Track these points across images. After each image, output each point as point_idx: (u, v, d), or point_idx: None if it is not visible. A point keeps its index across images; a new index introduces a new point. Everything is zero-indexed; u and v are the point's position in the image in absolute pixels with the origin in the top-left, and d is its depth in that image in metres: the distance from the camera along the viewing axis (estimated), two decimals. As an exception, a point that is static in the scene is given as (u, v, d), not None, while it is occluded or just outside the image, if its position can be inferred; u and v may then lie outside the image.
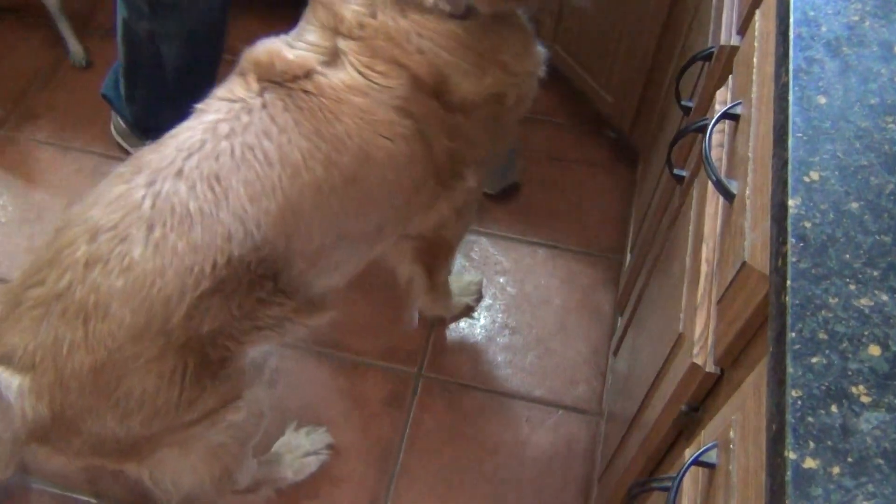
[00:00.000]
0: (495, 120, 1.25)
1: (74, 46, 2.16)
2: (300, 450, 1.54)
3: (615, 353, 1.53)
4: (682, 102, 1.21)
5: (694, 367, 0.80)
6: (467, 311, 1.75)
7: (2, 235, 1.87)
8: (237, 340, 1.10)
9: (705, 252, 0.88)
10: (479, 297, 1.77)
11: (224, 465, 1.24)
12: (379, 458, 1.59)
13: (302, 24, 1.18)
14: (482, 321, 1.76)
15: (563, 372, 1.70)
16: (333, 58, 1.12)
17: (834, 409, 0.49)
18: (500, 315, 1.77)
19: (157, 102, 1.84)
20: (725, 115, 0.88)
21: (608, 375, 1.54)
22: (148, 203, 1.03)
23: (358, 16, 1.12)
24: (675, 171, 1.13)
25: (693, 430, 0.84)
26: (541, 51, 1.28)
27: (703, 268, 0.87)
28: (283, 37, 1.17)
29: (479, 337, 1.74)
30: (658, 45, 1.66)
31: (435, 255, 1.49)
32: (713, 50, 1.11)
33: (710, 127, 0.86)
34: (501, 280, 1.82)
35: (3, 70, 2.13)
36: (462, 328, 1.75)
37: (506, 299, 1.79)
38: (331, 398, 1.67)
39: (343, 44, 1.12)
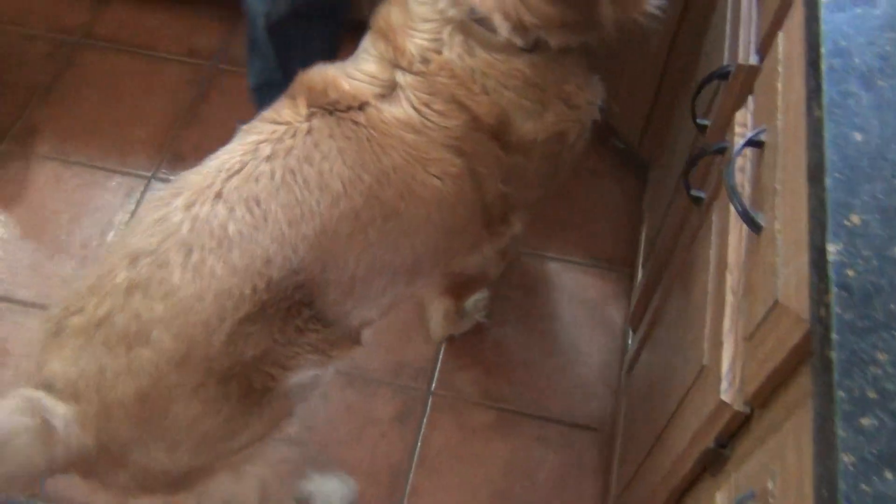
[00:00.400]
0: (554, 159, 1.22)
1: None
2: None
3: (629, 371, 1.50)
4: (698, 121, 1.19)
5: (722, 404, 0.78)
6: (476, 327, 1.73)
7: (4, 252, 1.85)
8: (281, 366, 1.08)
9: (730, 282, 0.86)
10: (488, 314, 1.75)
11: (281, 481, 1.22)
12: (389, 478, 1.57)
13: (361, 52, 1.16)
14: (492, 337, 1.74)
15: (574, 388, 1.68)
16: (390, 91, 1.10)
17: (889, 475, 0.46)
18: (509, 331, 1.75)
19: (264, 81, 1.81)
20: (749, 143, 0.86)
21: (622, 395, 1.52)
22: (186, 226, 1.01)
23: (422, 50, 1.09)
24: (693, 191, 1.11)
25: (720, 466, 0.82)
26: (598, 80, 1.25)
27: (728, 298, 0.85)
28: (341, 64, 1.15)
29: (489, 353, 1.72)
30: (668, 57, 1.64)
31: (468, 289, 1.47)
32: (730, 69, 1.09)
33: (734, 156, 0.84)
34: (510, 295, 1.80)
35: (4, 83, 2.10)
36: (471, 344, 1.73)
37: (515, 314, 1.77)
38: (339, 416, 1.65)
39: (402, 77, 1.10)
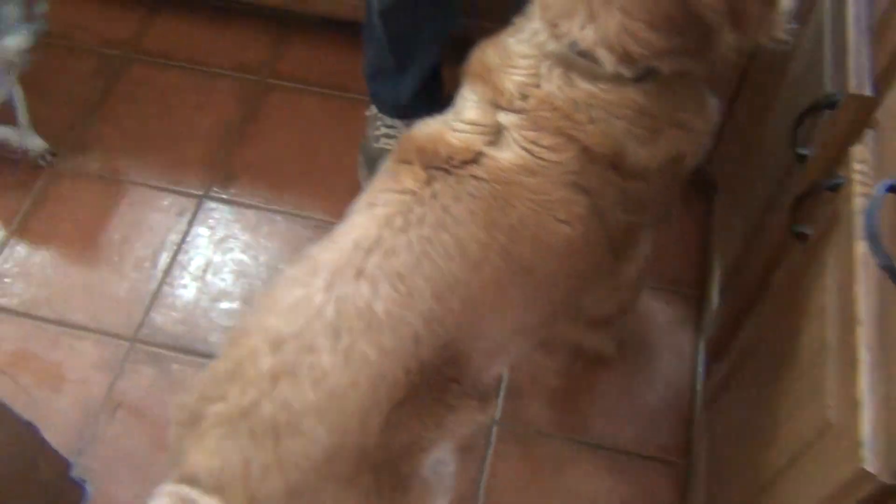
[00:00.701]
0: (672, 180, 1.18)
1: (34, 143, 1.96)
2: None
3: (710, 404, 1.44)
4: (799, 150, 1.12)
5: (864, 473, 0.72)
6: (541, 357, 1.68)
7: (57, 273, 1.82)
8: (426, 449, 1.03)
9: (863, 337, 0.80)
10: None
11: None
12: (454, 512, 1.53)
13: (460, 99, 1.12)
14: (555, 363, 1.69)
15: (644, 417, 1.63)
16: (497, 135, 1.05)
17: None
18: (574, 357, 1.69)
19: (376, 68, 1.82)
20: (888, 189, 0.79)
21: (702, 429, 1.46)
22: (331, 308, 0.96)
23: (520, 86, 1.05)
24: (798, 227, 1.05)
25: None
26: (714, 102, 1.20)
27: (863, 356, 0.79)
28: (442, 117, 1.12)
29: (554, 381, 1.67)
30: (744, 73, 1.58)
31: (611, 321, 1.43)
32: (837, 98, 1.03)
33: (877, 205, 0.78)
34: (574, 319, 1.74)
35: (52, 100, 2.07)
36: (535, 373, 1.67)
37: (581, 340, 1.71)
38: (400, 445, 1.60)
39: (505, 118, 1.05)
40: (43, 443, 1.44)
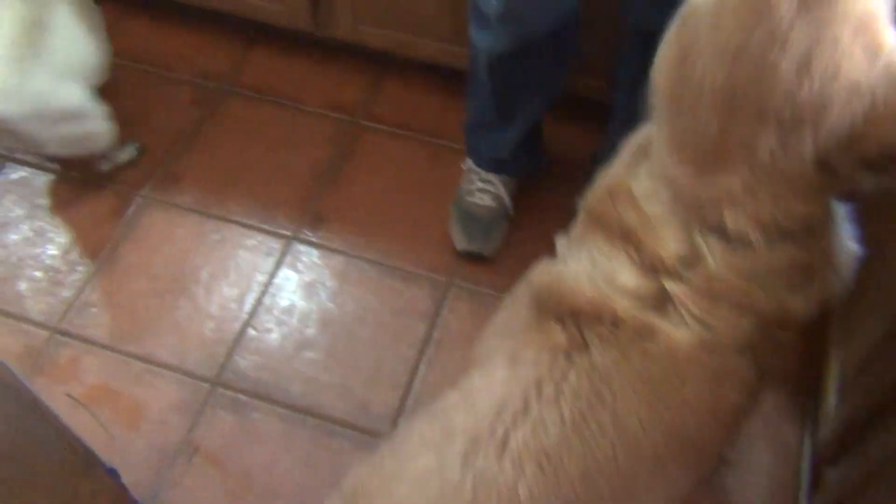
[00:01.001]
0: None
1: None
2: None
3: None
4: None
5: None
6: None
7: (143, 308, 1.80)
8: None
9: None
10: None
11: None
12: None
13: (596, 254, 1.00)
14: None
15: (743, 513, 1.53)
16: (663, 305, 0.95)
17: None
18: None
19: (477, 121, 1.80)
20: None
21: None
22: (469, 486, 0.88)
23: (680, 256, 0.94)
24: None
25: None
26: (848, 230, 1.09)
27: None
28: (588, 271, 0.99)
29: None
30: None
31: None
32: None
33: None
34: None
35: (147, 128, 2.07)
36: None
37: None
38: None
39: (671, 287, 0.94)
40: (124, 490, 1.41)
